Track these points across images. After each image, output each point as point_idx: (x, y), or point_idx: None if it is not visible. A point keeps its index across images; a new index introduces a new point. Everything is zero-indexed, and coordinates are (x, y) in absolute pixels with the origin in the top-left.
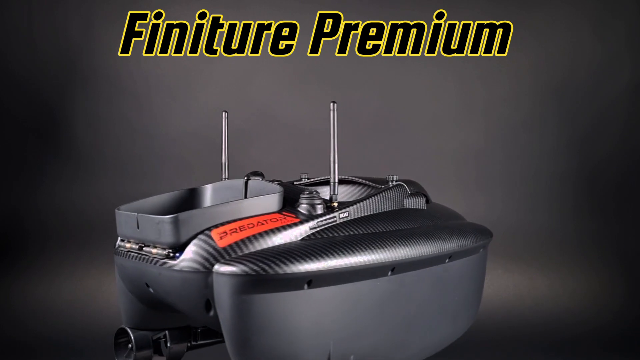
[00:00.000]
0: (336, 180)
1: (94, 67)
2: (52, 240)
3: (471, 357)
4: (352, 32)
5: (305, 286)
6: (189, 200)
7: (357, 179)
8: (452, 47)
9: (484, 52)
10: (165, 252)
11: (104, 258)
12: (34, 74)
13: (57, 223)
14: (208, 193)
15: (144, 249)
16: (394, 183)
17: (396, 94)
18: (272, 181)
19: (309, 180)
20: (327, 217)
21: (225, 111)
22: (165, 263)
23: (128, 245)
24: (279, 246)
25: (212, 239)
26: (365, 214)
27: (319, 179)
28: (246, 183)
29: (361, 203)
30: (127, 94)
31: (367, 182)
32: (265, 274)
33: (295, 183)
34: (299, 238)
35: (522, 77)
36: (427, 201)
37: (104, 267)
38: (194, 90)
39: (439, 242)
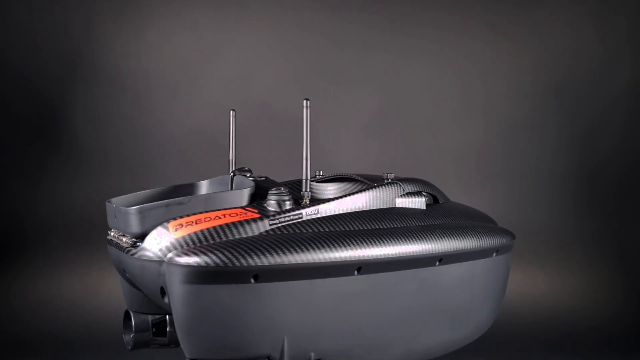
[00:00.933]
0: (308, 177)
1: (94, 65)
2: (53, 238)
3: (471, 356)
4: (353, 30)
5: (252, 280)
6: (183, 194)
7: (355, 177)
8: (452, 45)
9: (485, 50)
10: (131, 241)
11: (104, 255)
12: (33, 71)
13: (58, 220)
14: (203, 188)
15: (122, 238)
16: (387, 181)
17: (396, 92)
18: (259, 177)
19: (321, 177)
20: (291, 213)
21: (233, 110)
22: (130, 251)
23: (112, 234)
24: (229, 240)
25: (168, 230)
26: (342, 212)
27: (332, 175)
28: (232, 179)
29: (335, 201)
30: (128, 91)
31: (363, 179)
32: (207, 266)
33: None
34: (256, 233)
35: (523, 75)
36: (437, 201)
37: (104, 265)
38: (195, 88)
39: (422, 243)
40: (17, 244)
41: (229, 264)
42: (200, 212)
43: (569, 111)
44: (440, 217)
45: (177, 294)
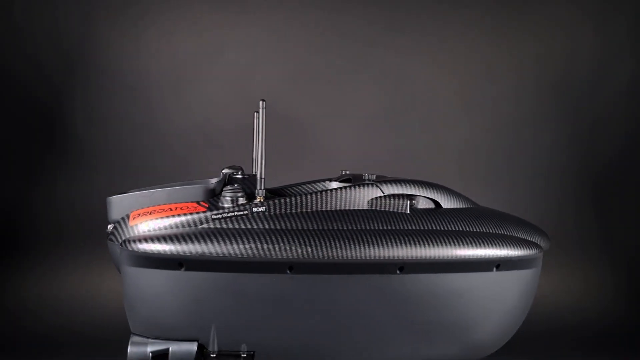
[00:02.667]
0: (263, 176)
1: (94, 64)
2: (52, 238)
3: None
4: (353, 30)
5: (182, 268)
6: None
7: (350, 176)
8: (453, 44)
9: (485, 50)
10: (111, 227)
11: (104, 254)
12: (33, 70)
13: (57, 219)
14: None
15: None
16: (365, 182)
17: (397, 90)
18: (249, 175)
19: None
20: (235, 209)
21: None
22: (108, 235)
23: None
24: (171, 230)
25: (128, 219)
26: (298, 210)
27: (345, 176)
28: (227, 176)
29: (288, 199)
30: (128, 90)
31: (347, 179)
32: (144, 252)
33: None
34: (199, 226)
35: (523, 73)
36: (439, 206)
37: (105, 264)
38: (195, 87)
39: (369, 247)
40: (16, 242)
41: (160, 252)
42: (161, 205)
43: (569, 110)
44: (427, 222)
45: (123, 274)
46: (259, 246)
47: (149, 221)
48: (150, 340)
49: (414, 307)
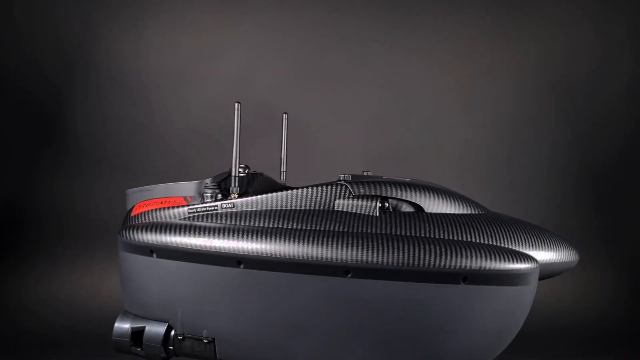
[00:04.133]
0: (236, 174)
1: (94, 63)
2: (52, 237)
3: None
4: (354, 30)
5: (153, 255)
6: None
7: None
8: (453, 44)
9: (485, 50)
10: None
11: (104, 254)
12: (33, 70)
13: (57, 219)
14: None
15: None
16: (335, 182)
17: (397, 90)
18: (255, 173)
19: (368, 175)
20: (207, 204)
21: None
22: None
23: None
24: (154, 220)
25: (131, 210)
26: (263, 208)
27: (365, 174)
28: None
29: (254, 197)
30: (128, 90)
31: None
32: (126, 239)
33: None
34: (177, 218)
35: (524, 73)
36: (421, 210)
37: (105, 263)
38: (195, 86)
39: (310, 247)
40: (16, 242)
41: (137, 240)
42: (160, 198)
43: (569, 110)
44: (393, 226)
45: (118, 257)
46: (211, 240)
47: (143, 213)
48: (133, 317)
49: (366, 315)
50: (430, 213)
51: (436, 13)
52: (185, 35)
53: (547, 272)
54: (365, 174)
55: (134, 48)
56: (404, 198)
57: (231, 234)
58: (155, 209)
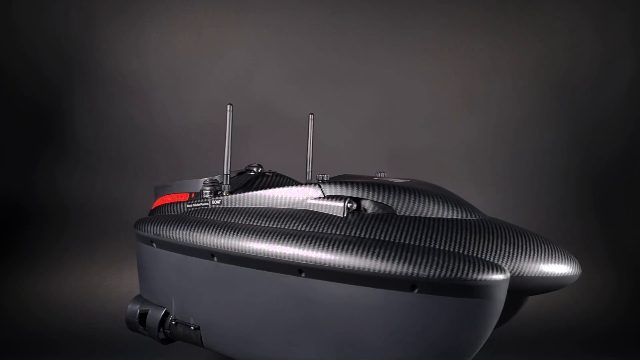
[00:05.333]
0: (228, 173)
1: (95, 63)
2: (51, 238)
3: None
4: (353, 29)
5: (154, 245)
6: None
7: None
8: (453, 44)
9: (486, 49)
10: None
11: (104, 253)
12: (34, 70)
13: (57, 219)
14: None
15: None
16: (310, 182)
17: (397, 90)
18: (267, 172)
19: (382, 176)
20: (200, 201)
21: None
22: None
23: None
24: (162, 213)
25: (154, 203)
26: (243, 206)
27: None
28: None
29: (238, 195)
30: (128, 89)
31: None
32: (136, 228)
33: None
34: (178, 212)
35: (524, 73)
36: (390, 211)
37: (104, 263)
38: (195, 86)
39: (270, 244)
40: (16, 244)
41: (142, 230)
42: (180, 193)
43: (570, 110)
44: (356, 228)
45: (136, 246)
46: (191, 234)
47: (159, 206)
48: (143, 301)
49: (322, 315)
50: (400, 216)
51: (437, 12)
52: (185, 35)
53: (542, 286)
54: (378, 174)
55: (134, 48)
56: (375, 199)
57: (206, 229)
58: (167, 204)
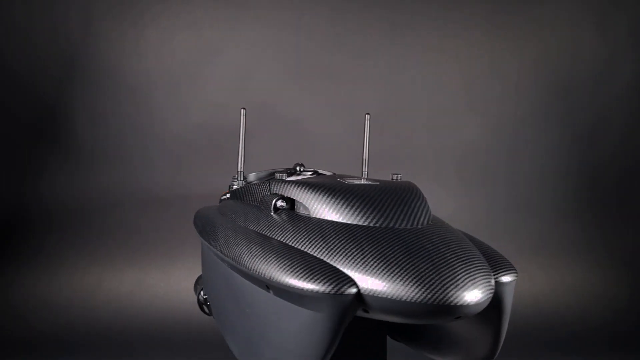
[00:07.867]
0: (242, 170)
1: (94, 63)
2: (51, 238)
3: None
4: (353, 29)
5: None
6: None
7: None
8: (453, 44)
9: (485, 49)
10: None
11: (104, 253)
12: (33, 70)
13: (57, 220)
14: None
15: None
16: (269, 179)
17: (396, 91)
18: (307, 171)
19: (398, 178)
20: (223, 197)
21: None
22: None
23: None
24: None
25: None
26: (235, 201)
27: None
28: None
29: (235, 190)
30: (128, 89)
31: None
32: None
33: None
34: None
35: (524, 73)
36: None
37: (104, 263)
38: (195, 86)
39: (212, 235)
40: (16, 241)
41: (195, 220)
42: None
43: (570, 110)
44: (264, 225)
45: None
46: (196, 222)
47: (220, 197)
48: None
49: (240, 301)
50: (304, 217)
51: (436, 13)
52: (185, 35)
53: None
54: (393, 177)
55: (134, 48)
56: (296, 198)
57: (204, 219)
58: (221, 196)
